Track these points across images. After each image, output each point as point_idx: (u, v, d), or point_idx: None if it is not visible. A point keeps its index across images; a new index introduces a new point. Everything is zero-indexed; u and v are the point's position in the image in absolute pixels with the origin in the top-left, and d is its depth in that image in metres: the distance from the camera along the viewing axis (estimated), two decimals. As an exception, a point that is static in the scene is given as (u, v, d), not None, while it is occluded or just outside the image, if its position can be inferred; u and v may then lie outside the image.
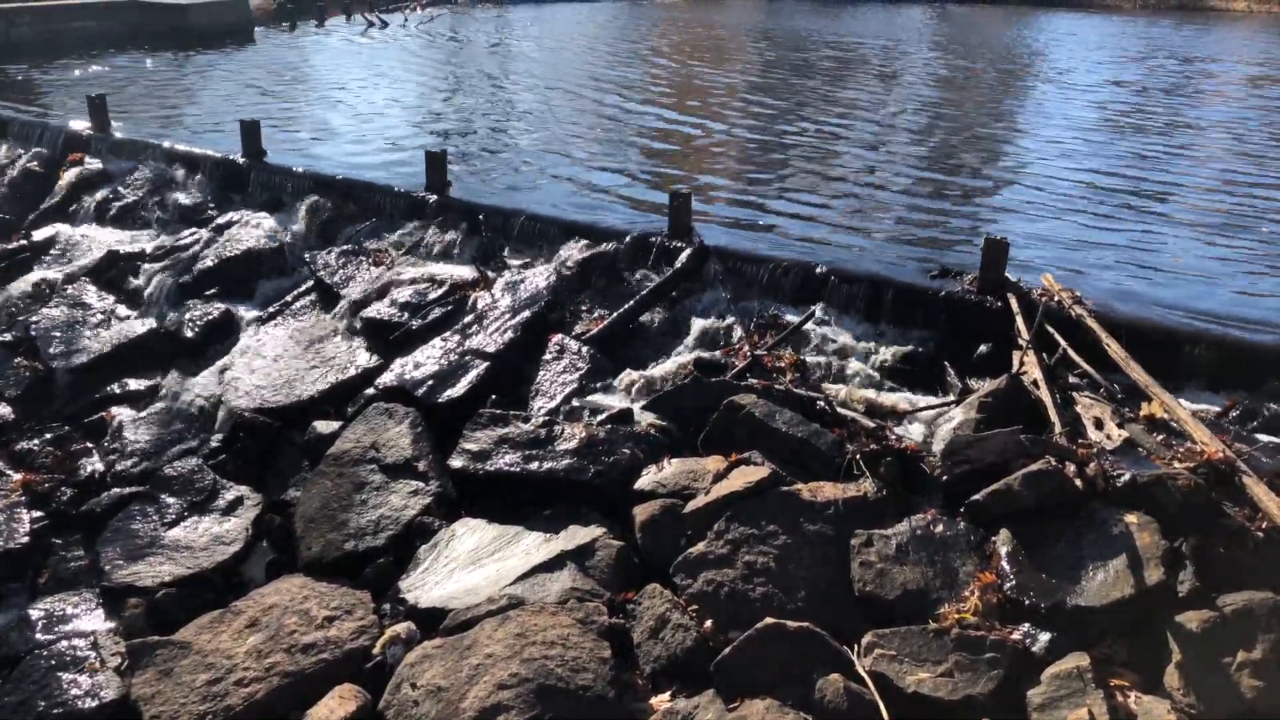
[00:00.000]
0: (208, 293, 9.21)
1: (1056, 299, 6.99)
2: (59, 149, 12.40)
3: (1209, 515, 5.03)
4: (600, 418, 6.65)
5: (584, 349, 7.38)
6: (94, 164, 11.88)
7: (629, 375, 7.16)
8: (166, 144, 11.75)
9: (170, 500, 6.77)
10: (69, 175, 11.73)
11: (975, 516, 5.36)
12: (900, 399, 6.73)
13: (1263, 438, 5.79)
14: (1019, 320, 6.85)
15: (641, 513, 5.73)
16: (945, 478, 5.64)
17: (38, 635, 5.84)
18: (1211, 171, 12.25)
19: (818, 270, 7.78)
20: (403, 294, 8.42)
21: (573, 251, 8.52)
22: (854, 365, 7.16)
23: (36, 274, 9.89)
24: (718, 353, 7.29)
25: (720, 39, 26.99)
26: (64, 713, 5.24)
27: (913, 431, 6.34)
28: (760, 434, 6.07)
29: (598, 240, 8.58)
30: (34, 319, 9.02)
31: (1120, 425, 5.72)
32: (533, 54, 22.86)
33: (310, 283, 9.08)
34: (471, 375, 7.30)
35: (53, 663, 5.55)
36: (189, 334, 8.72)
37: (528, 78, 18.90)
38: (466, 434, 6.55)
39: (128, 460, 7.34)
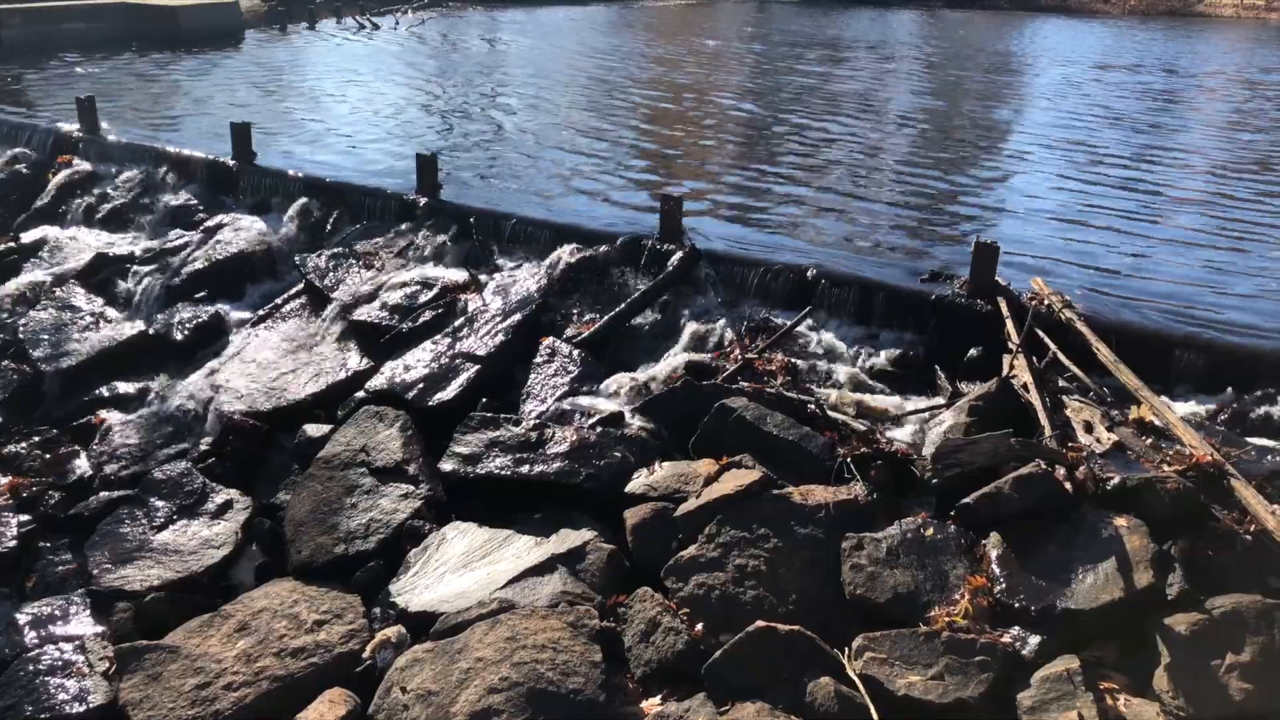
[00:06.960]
0: (197, 295, 9.16)
1: (1046, 303, 7.01)
2: (48, 151, 12.33)
3: (1198, 518, 5.05)
4: (591, 421, 6.64)
5: (575, 352, 7.37)
6: (83, 166, 11.82)
7: (620, 378, 7.15)
8: (156, 146, 11.69)
9: (159, 504, 6.73)
10: (58, 177, 11.68)
11: (965, 519, 5.37)
12: (891, 402, 6.74)
13: (1251, 441, 5.82)
14: (1009, 324, 6.87)
15: (632, 516, 5.73)
16: (936, 481, 5.65)
17: (25, 640, 5.81)
18: (1201, 176, 12.33)
19: (809, 273, 7.79)
20: (393, 297, 8.40)
21: (564, 255, 8.50)
22: (845, 368, 7.17)
23: (25, 276, 9.84)
24: (709, 356, 7.29)
25: (712, 43, 27.03)
26: (51, 717, 5.21)
27: (903, 435, 6.34)
28: (751, 437, 6.07)
29: (589, 243, 8.57)
30: (22, 321, 8.96)
31: (1110, 429, 5.74)
32: (524, 57, 22.85)
33: (300, 285, 9.04)
34: (462, 378, 7.29)
35: (40, 667, 5.51)
36: (178, 337, 8.68)
37: (519, 80, 18.89)
38: (457, 437, 6.54)
39: (116, 463, 7.30)
